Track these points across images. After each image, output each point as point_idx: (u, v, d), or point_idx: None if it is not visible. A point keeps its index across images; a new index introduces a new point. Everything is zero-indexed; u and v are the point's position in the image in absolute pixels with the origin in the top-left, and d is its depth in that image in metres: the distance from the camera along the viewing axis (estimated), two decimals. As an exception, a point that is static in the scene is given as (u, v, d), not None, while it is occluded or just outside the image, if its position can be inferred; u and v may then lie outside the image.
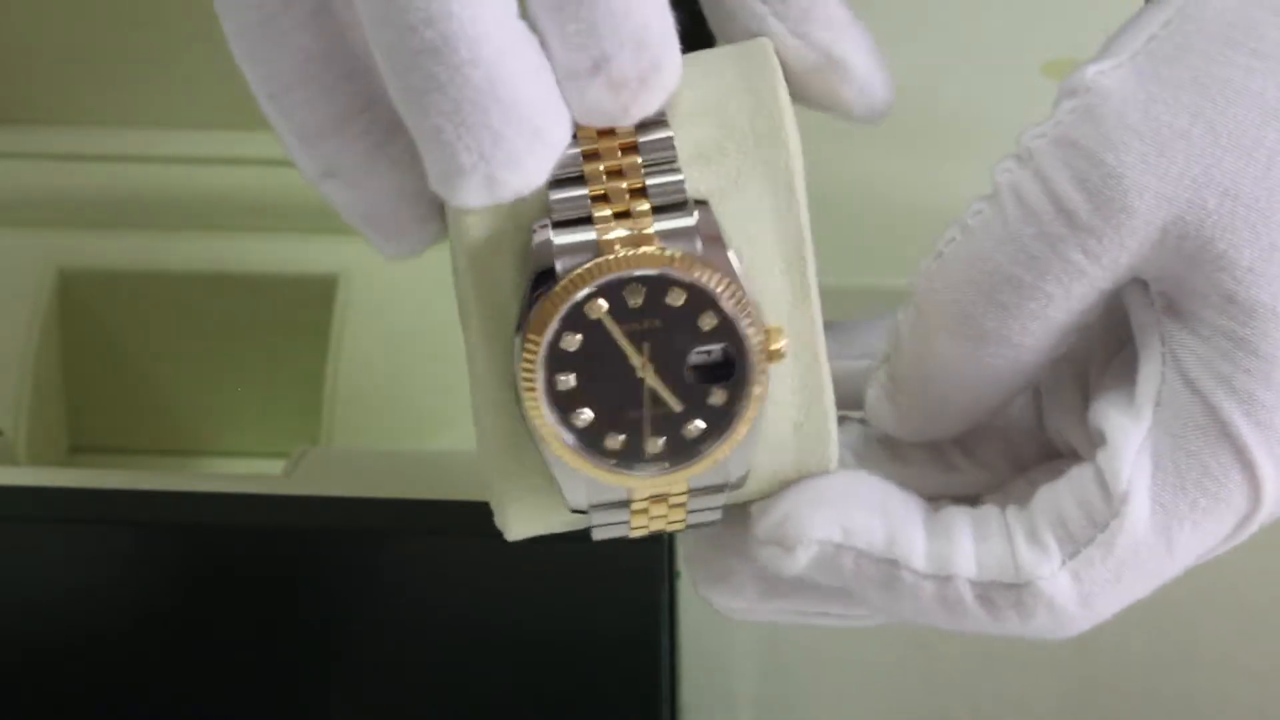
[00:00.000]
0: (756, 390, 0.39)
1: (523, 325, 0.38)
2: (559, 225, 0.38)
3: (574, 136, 0.37)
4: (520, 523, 0.41)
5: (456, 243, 0.39)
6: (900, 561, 0.40)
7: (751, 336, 0.38)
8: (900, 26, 0.68)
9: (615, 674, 0.56)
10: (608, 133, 0.38)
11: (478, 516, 0.55)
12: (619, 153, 0.38)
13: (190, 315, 0.73)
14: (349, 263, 0.72)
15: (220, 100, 0.73)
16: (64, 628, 0.57)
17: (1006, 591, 0.40)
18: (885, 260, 0.59)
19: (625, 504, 0.40)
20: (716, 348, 0.38)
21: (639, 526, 0.40)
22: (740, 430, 0.39)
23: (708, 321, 0.38)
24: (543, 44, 0.36)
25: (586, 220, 0.38)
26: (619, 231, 0.38)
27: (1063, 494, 0.40)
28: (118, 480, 0.56)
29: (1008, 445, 0.42)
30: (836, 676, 0.60)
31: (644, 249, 0.37)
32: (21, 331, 0.71)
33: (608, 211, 0.38)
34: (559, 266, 0.37)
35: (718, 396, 0.39)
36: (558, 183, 0.38)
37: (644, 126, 0.38)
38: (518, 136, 0.36)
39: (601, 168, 0.38)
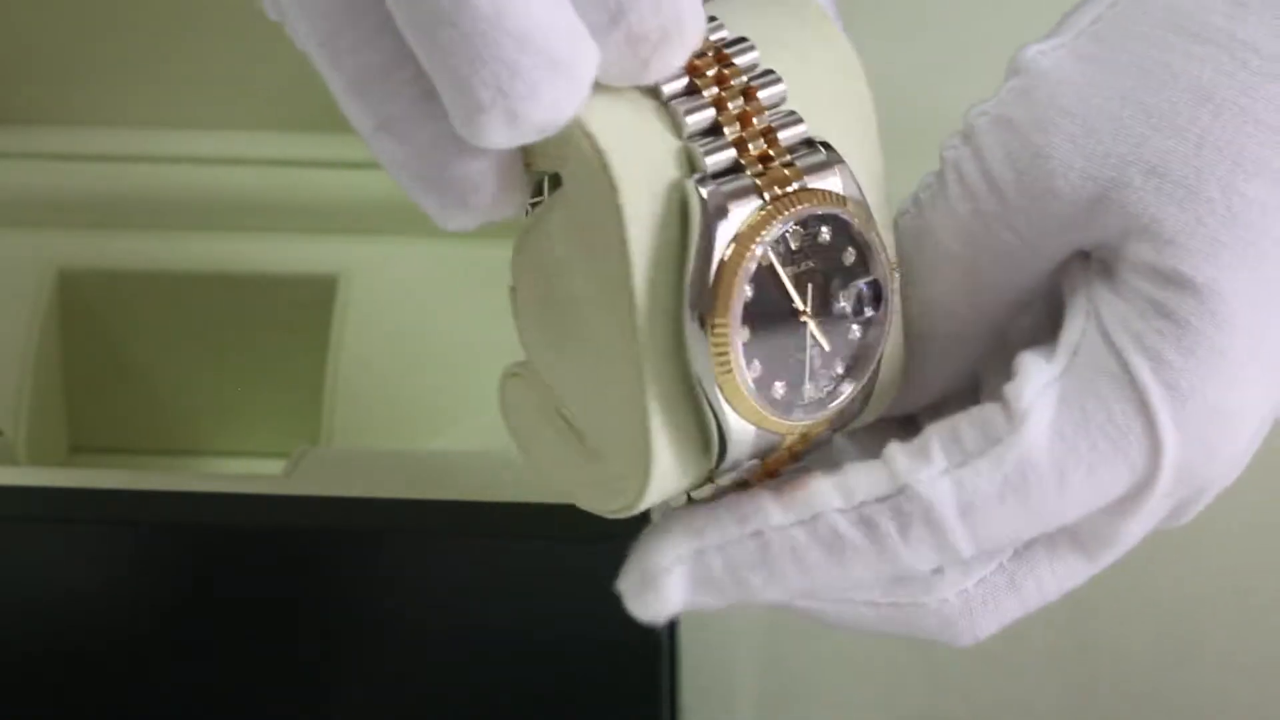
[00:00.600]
0: (890, 323, 0.39)
1: (705, 284, 0.37)
2: (716, 178, 0.37)
3: (690, 88, 0.37)
4: (658, 492, 0.40)
5: (597, 209, 0.38)
6: (760, 529, 0.39)
7: (889, 268, 0.39)
8: (900, 26, 0.68)
9: (615, 674, 0.56)
10: (723, 78, 0.37)
11: (478, 516, 0.55)
12: (741, 97, 0.38)
13: (190, 315, 0.73)
14: (349, 263, 0.72)
15: (220, 100, 0.73)
16: (64, 628, 0.57)
17: (882, 506, 0.39)
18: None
19: (762, 455, 0.39)
20: (856, 283, 0.39)
21: (763, 475, 0.40)
22: (876, 365, 0.39)
23: (849, 256, 0.38)
24: None
25: (738, 168, 0.38)
26: (772, 175, 0.38)
27: (959, 417, 0.39)
28: (118, 480, 0.56)
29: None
30: (836, 676, 0.60)
31: (801, 190, 0.38)
32: (21, 331, 0.71)
33: (754, 156, 0.38)
34: (732, 217, 0.37)
35: (855, 333, 0.39)
36: (695, 136, 0.37)
37: (740, 69, 0.38)
38: (534, 67, 0.35)
39: (733, 110, 0.38)
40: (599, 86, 0.37)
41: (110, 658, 0.58)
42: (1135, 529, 0.40)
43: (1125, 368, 0.38)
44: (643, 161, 0.37)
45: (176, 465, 0.75)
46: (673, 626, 0.58)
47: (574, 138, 0.37)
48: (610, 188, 0.37)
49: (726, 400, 0.38)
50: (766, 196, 0.37)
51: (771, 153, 0.38)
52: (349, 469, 0.58)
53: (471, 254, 0.70)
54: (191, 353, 0.74)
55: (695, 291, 0.37)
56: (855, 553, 0.39)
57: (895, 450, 0.39)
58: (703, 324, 0.37)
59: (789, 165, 0.38)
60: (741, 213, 0.37)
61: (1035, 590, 0.41)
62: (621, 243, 0.37)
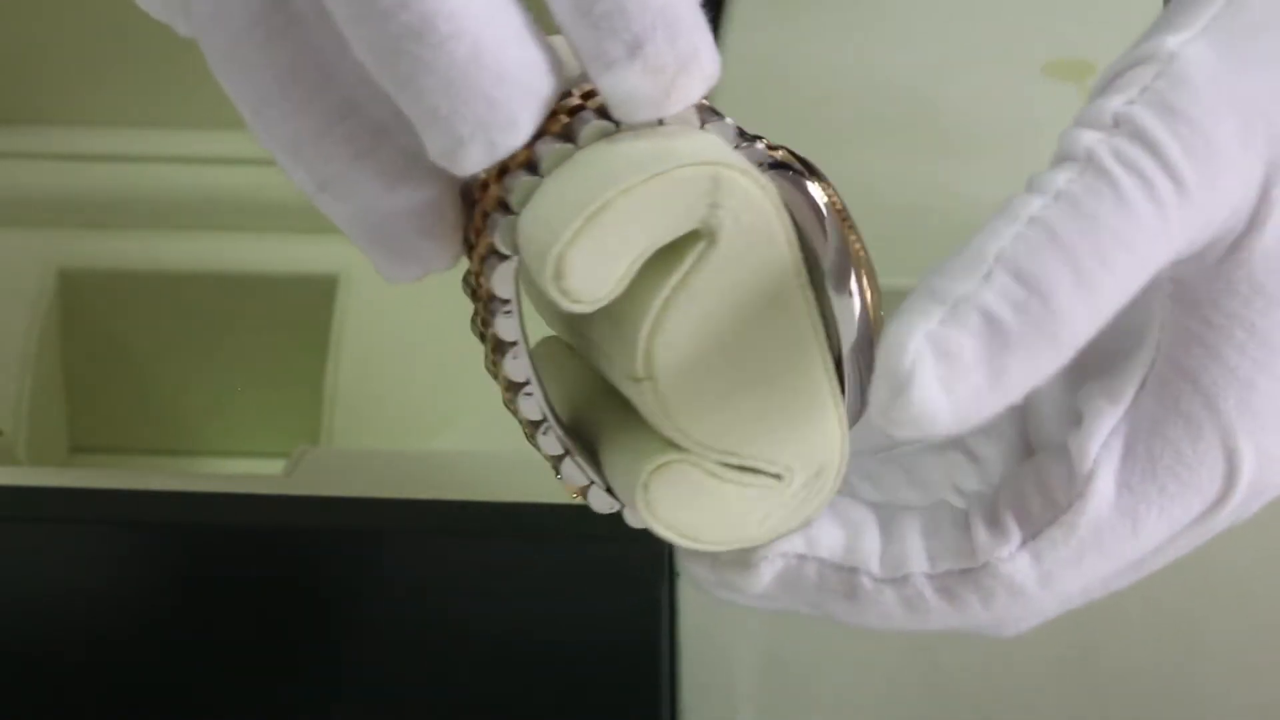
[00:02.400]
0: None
1: (845, 272, 0.39)
2: (785, 169, 0.38)
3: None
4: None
5: (760, 236, 0.38)
6: (860, 568, 0.40)
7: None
8: (900, 26, 0.68)
9: (615, 674, 0.56)
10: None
11: (478, 516, 0.55)
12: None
13: (190, 315, 0.73)
14: (349, 263, 0.72)
15: (220, 100, 0.72)
16: (64, 628, 0.57)
17: (964, 578, 0.40)
18: (885, 260, 0.59)
19: None
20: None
21: None
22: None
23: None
24: (573, 44, 0.36)
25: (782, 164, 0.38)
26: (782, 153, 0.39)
27: (1026, 477, 0.40)
28: (118, 480, 0.56)
29: (1007, 441, 0.43)
30: (837, 676, 0.60)
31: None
32: (21, 331, 0.71)
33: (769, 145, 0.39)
34: (822, 204, 0.38)
35: None
36: (737, 142, 0.38)
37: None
38: (511, 99, 0.35)
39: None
40: (646, 130, 0.37)
41: (110, 658, 0.58)
42: (1198, 540, 0.40)
43: (1208, 401, 0.38)
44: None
45: (176, 465, 0.75)
46: (673, 626, 0.58)
47: (726, 180, 0.37)
48: (775, 209, 0.38)
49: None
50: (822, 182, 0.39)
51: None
52: (349, 469, 0.58)
53: (472, 254, 0.70)
54: (191, 353, 0.74)
55: (837, 266, 0.38)
56: (937, 614, 0.40)
57: (977, 524, 0.40)
58: (846, 290, 0.39)
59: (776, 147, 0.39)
60: (810, 187, 0.38)
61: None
62: (788, 250, 0.38)
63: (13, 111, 0.74)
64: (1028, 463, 0.40)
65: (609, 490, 0.41)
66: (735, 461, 0.39)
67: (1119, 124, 0.37)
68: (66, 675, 0.58)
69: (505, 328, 0.39)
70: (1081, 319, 0.36)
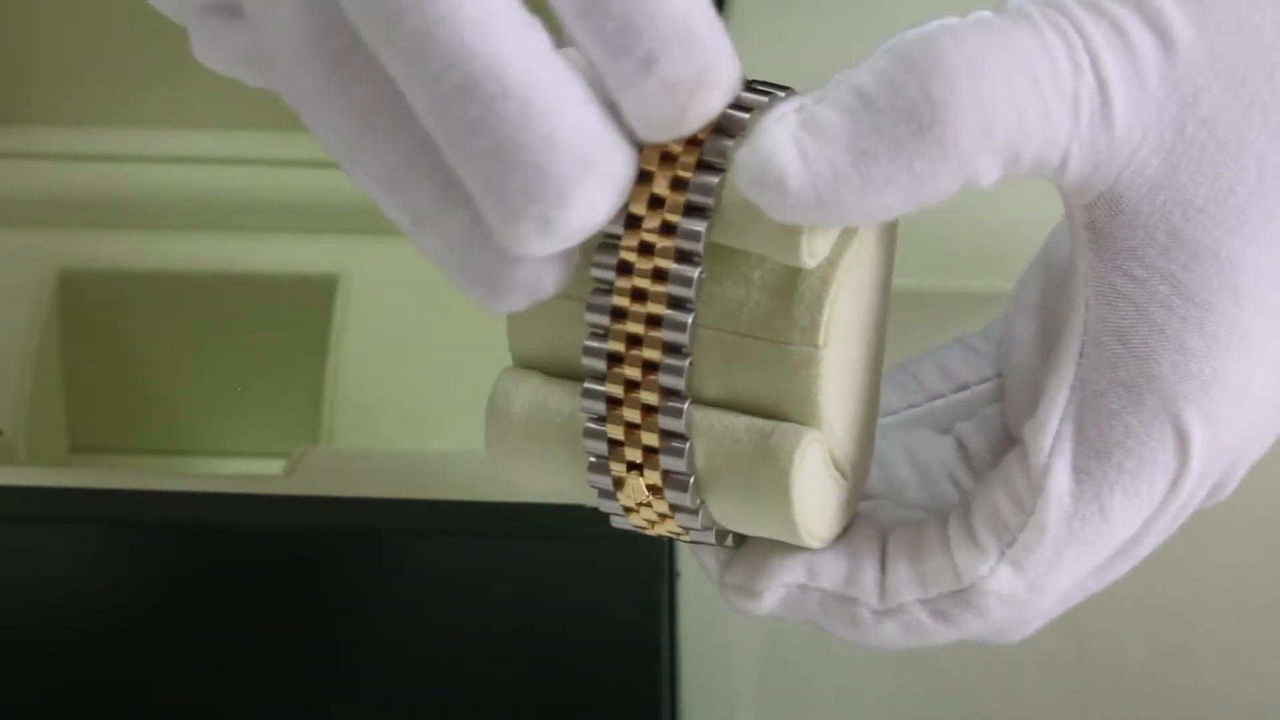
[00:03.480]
0: None
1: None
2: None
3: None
4: None
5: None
6: (859, 600, 0.40)
7: None
8: (899, 27, 0.68)
9: (615, 673, 0.56)
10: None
11: (478, 516, 0.55)
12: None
13: (190, 315, 0.73)
14: (349, 263, 0.72)
15: (220, 100, 0.73)
16: (64, 628, 0.57)
17: (955, 599, 0.39)
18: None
19: None
20: None
21: None
22: None
23: None
24: (592, 67, 0.35)
25: None
26: None
27: (994, 485, 0.39)
28: (118, 480, 0.56)
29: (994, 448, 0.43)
30: (837, 676, 0.60)
31: None
32: (21, 331, 0.71)
33: None
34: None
35: None
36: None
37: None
38: (565, 171, 0.34)
39: None
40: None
41: (110, 657, 0.58)
42: (1174, 520, 0.39)
43: (1142, 366, 0.37)
44: None
45: (176, 465, 0.75)
46: (672, 626, 0.58)
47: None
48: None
49: None
50: None
51: None
52: (349, 469, 0.58)
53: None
54: (191, 353, 0.74)
55: None
56: (938, 634, 0.40)
57: (956, 544, 0.39)
58: None
59: None
60: None
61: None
62: (893, 240, 0.40)
63: (12, 111, 0.74)
64: (997, 468, 0.40)
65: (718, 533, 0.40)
66: (835, 452, 0.39)
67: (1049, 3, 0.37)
68: (66, 675, 0.58)
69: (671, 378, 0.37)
70: (966, 119, 0.35)
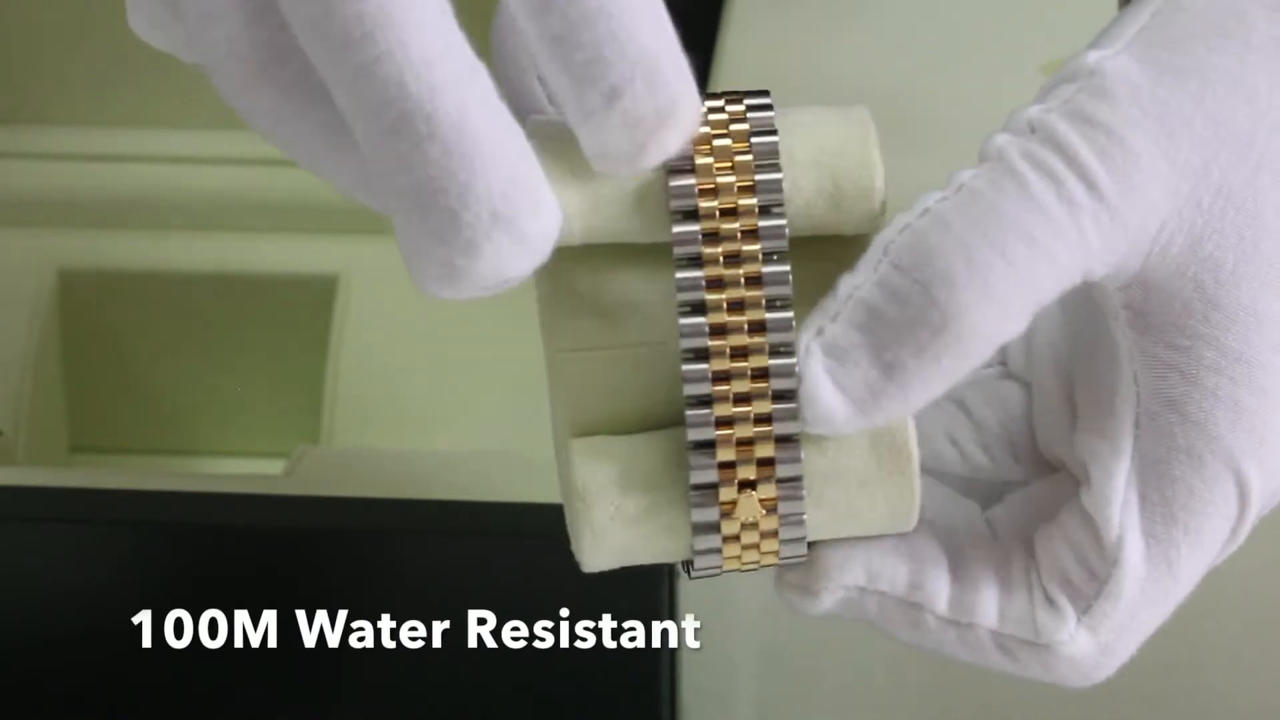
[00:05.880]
0: None
1: None
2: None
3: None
4: None
5: None
6: (924, 606, 0.40)
7: None
8: (900, 26, 0.68)
9: (616, 674, 0.56)
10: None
11: (477, 516, 0.55)
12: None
13: (190, 315, 0.73)
14: (349, 263, 0.72)
15: (220, 100, 0.73)
16: (64, 628, 0.57)
17: (1027, 647, 0.40)
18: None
19: None
20: None
21: None
22: None
23: None
24: (554, 94, 0.35)
25: None
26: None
27: (1061, 549, 0.40)
28: (118, 480, 0.56)
29: (1011, 444, 0.43)
30: (837, 676, 0.60)
31: None
32: (21, 331, 0.71)
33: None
34: None
35: None
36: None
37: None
38: (475, 220, 0.34)
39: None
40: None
41: (110, 657, 0.58)
42: (1229, 552, 0.40)
43: (1201, 429, 0.38)
44: None
45: (176, 465, 0.75)
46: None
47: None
48: None
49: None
50: None
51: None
52: (349, 469, 0.58)
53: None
54: (191, 353, 0.74)
55: None
56: (995, 662, 0.40)
57: (1038, 605, 0.40)
58: None
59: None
60: None
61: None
62: None
63: (13, 111, 0.74)
64: (1054, 525, 0.40)
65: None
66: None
67: (1034, 129, 0.37)
68: (66, 675, 0.58)
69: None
70: (976, 309, 0.36)
